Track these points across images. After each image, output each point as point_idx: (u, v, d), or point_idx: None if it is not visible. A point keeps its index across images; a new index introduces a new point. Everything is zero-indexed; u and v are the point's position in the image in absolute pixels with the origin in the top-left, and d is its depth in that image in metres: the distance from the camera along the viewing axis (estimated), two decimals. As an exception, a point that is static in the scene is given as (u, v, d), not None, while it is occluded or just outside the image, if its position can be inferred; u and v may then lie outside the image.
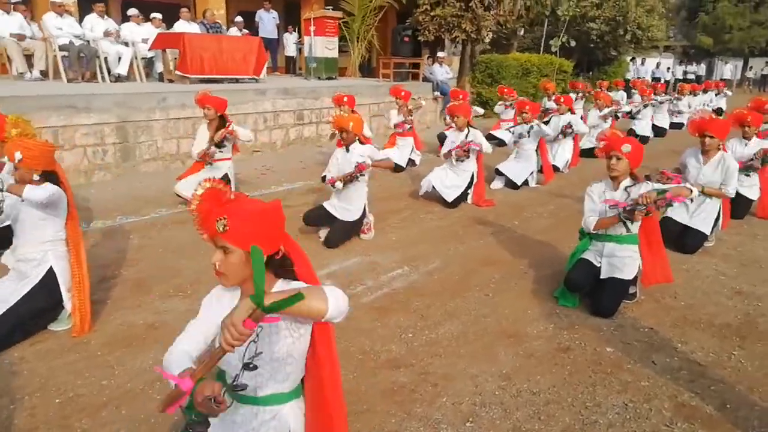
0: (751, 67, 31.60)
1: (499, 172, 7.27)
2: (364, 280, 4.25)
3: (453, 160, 6.21)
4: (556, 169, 8.01)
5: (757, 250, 5.12)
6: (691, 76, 26.44)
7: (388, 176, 7.89)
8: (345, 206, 4.96)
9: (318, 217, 5.03)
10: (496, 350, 3.28)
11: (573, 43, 19.38)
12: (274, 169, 7.90)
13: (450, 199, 6.19)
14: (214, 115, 5.71)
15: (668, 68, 27.49)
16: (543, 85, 11.57)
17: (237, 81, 9.70)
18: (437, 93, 12.86)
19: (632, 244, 3.78)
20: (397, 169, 8.00)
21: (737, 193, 5.20)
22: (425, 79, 13.36)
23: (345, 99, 7.17)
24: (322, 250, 4.86)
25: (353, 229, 5.04)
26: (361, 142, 5.03)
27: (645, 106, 11.35)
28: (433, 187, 6.29)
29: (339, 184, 4.80)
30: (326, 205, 5.03)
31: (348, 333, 3.39)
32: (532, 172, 7.21)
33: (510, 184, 7.22)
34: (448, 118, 7.64)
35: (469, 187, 6.33)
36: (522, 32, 20.06)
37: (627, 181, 3.71)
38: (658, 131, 12.02)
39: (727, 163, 4.85)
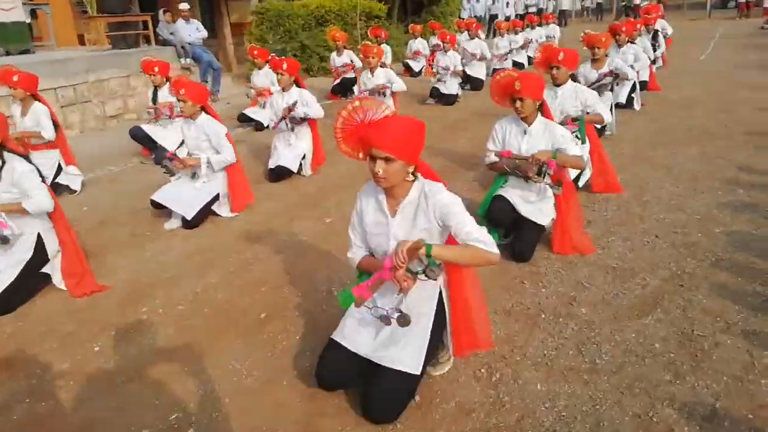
0: (588, -4, 30.54)
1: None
2: None
3: None
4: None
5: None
6: (533, 9, 22.15)
7: None
8: None
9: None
10: None
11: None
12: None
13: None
14: None
15: (507, 2, 21.38)
16: (331, 36, 9.18)
17: None
18: (187, 60, 9.54)
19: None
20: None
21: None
22: (165, 42, 9.79)
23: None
24: None
25: None
26: None
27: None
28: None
29: None
30: None
31: None
32: (304, 156, 5.33)
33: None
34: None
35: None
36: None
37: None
38: (474, 83, 9.72)
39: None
